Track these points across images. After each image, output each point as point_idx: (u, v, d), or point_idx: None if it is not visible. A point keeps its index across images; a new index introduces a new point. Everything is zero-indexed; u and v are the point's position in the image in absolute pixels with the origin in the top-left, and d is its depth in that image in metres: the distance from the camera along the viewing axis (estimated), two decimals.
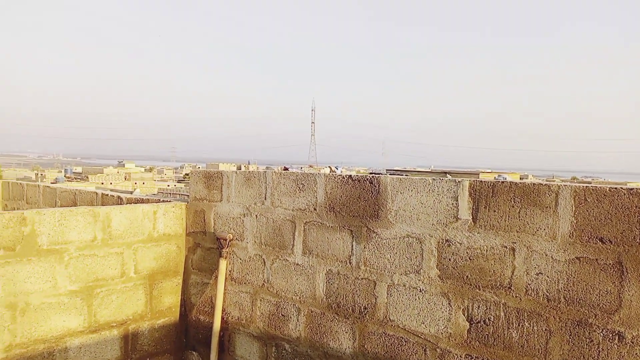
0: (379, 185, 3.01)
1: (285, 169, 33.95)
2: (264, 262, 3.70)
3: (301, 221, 3.44)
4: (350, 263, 3.17)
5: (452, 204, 2.69)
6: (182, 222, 4.25)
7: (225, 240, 3.90)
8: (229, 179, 3.92)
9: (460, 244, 2.68)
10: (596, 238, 2.21)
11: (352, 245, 3.16)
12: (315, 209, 3.35)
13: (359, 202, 3.12)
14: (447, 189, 2.71)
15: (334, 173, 3.26)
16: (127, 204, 4.67)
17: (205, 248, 4.13)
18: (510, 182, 2.49)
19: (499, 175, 32.24)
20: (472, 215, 2.62)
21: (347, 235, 3.18)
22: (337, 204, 3.23)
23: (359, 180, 3.12)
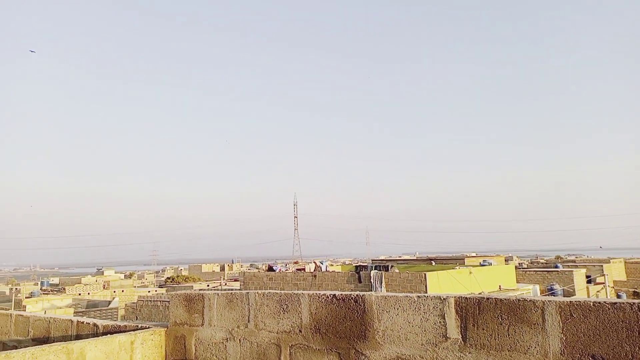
0: (364, 304, 2.95)
1: (270, 267, 33.23)
2: None
3: (286, 344, 3.30)
4: None
5: (440, 322, 2.63)
6: (161, 351, 4.03)
7: None
8: (210, 301, 3.80)
9: None
10: (588, 355, 2.16)
11: None
12: (300, 331, 3.24)
13: (345, 322, 3.03)
14: (434, 307, 2.67)
15: (317, 292, 3.19)
16: (103, 332, 4.44)
17: None
18: (495, 298, 2.47)
19: (484, 261, 32.12)
20: (462, 333, 2.56)
21: (335, 358, 3.05)
22: (323, 325, 3.13)
23: (343, 300, 3.06)
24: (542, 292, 33.57)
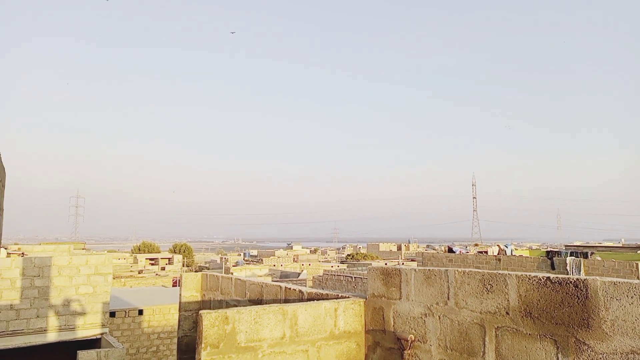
0: (586, 290, 2.64)
1: (450, 248, 32.44)
2: None
3: (491, 326, 3.16)
4: None
5: None
6: (360, 319, 4.26)
7: (407, 341, 3.77)
8: (407, 276, 3.85)
9: None
10: None
11: (558, 358, 2.75)
12: (507, 313, 3.06)
13: (562, 307, 2.75)
14: None
15: (527, 274, 2.97)
16: (307, 298, 4.89)
17: (385, 348, 4.03)
18: None
19: None
20: None
21: (550, 345, 2.80)
22: (535, 309, 2.90)
23: (559, 283, 2.78)
24: None
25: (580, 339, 2.65)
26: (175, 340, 18.57)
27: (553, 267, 23.86)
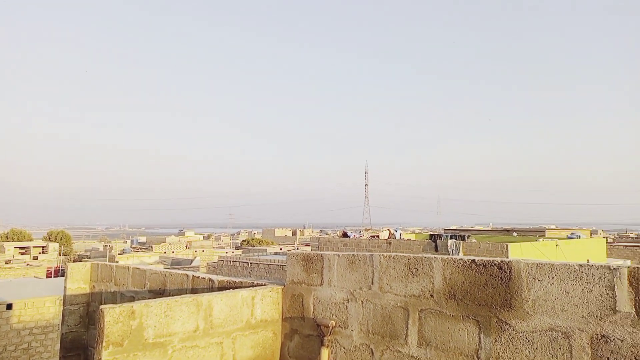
0: (510, 271, 2.74)
1: (345, 233, 33.54)
2: (372, 353, 3.42)
3: (415, 308, 3.18)
4: (477, 358, 2.85)
5: (608, 294, 2.37)
6: (278, 307, 4.09)
7: (327, 327, 3.68)
8: (330, 261, 3.76)
9: (622, 340, 2.32)
10: None
11: (480, 338, 2.84)
12: (432, 296, 3.10)
13: (486, 289, 2.84)
14: (600, 277, 2.40)
15: (453, 257, 3.02)
16: (218, 287, 4.59)
17: (303, 335, 3.91)
18: None
19: (572, 233, 30.23)
20: (636, 307, 2.28)
21: (472, 326, 2.89)
22: (459, 291, 2.96)
23: (484, 265, 2.86)
24: None
25: (502, 319, 2.75)
26: (52, 336, 16.85)
27: (437, 249, 25.79)
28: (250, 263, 32.94)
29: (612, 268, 2.36)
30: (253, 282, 4.36)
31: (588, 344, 2.43)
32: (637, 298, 2.28)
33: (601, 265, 2.41)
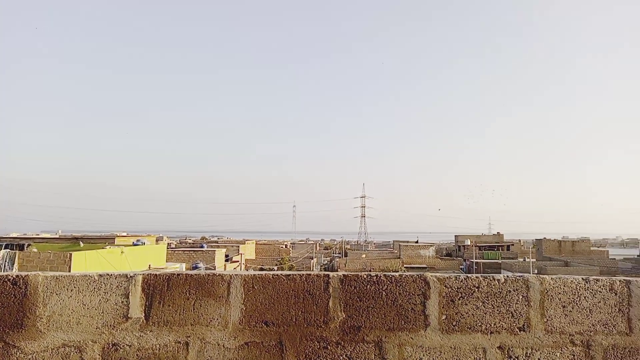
0: (26, 287, 2.44)
1: None
2: None
3: None
4: None
5: (122, 302, 2.44)
6: None
7: None
8: None
9: (130, 346, 2.43)
10: (261, 322, 2.44)
11: None
12: None
13: None
14: (117, 286, 2.45)
15: None
16: None
17: None
18: (186, 274, 2.48)
19: (137, 240, 31.85)
20: (145, 312, 2.45)
21: None
22: None
23: None
24: (187, 269, 35.92)
25: (10, 342, 2.41)
26: None
27: None
28: None
29: (129, 276, 2.46)
30: None
31: (100, 354, 2.42)
32: (147, 304, 2.46)
33: (119, 274, 2.47)
